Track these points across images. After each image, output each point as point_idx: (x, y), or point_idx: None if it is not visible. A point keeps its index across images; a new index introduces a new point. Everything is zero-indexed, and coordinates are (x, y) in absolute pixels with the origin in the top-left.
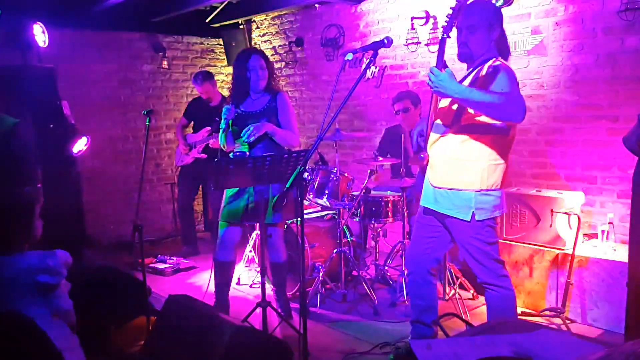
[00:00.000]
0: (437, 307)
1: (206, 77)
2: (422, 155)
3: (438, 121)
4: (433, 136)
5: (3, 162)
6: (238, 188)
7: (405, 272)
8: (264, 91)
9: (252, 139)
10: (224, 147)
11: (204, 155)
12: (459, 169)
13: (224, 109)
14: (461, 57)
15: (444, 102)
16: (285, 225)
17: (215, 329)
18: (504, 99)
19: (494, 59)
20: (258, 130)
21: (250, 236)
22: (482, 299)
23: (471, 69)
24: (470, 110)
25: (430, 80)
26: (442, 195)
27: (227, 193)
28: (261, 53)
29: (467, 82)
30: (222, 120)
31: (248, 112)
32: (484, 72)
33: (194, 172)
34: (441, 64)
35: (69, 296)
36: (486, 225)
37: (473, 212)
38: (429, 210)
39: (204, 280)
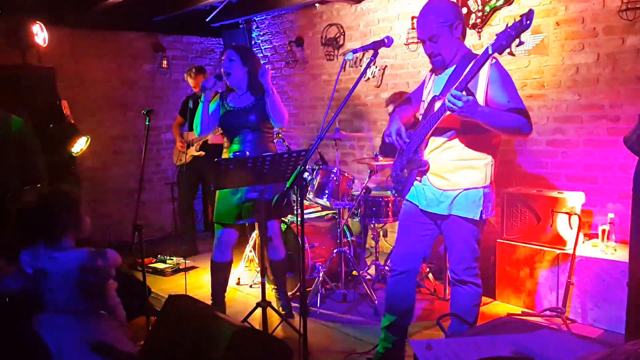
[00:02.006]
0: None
1: (199, 70)
2: (423, 162)
3: (442, 126)
4: (436, 141)
5: (20, 159)
6: (230, 189)
7: (390, 272)
8: (249, 89)
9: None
10: (196, 129)
11: (202, 153)
12: (467, 169)
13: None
14: (436, 64)
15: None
16: (285, 225)
17: (215, 329)
18: (523, 122)
19: (490, 57)
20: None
21: (250, 236)
22: (482, 298)
23: (450, 69)
24: None
25: (453, 104)
26: (450, 197)
27: (219, 194)
28: (237, 48)
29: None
30: (202, 94)
31: (237, 107)
32: (485, 72)
33: (194, 171)
34: (463, 86)
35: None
36: (485, 224)
37: (481, 210)
38: (427, 212)
39: (204, 280)
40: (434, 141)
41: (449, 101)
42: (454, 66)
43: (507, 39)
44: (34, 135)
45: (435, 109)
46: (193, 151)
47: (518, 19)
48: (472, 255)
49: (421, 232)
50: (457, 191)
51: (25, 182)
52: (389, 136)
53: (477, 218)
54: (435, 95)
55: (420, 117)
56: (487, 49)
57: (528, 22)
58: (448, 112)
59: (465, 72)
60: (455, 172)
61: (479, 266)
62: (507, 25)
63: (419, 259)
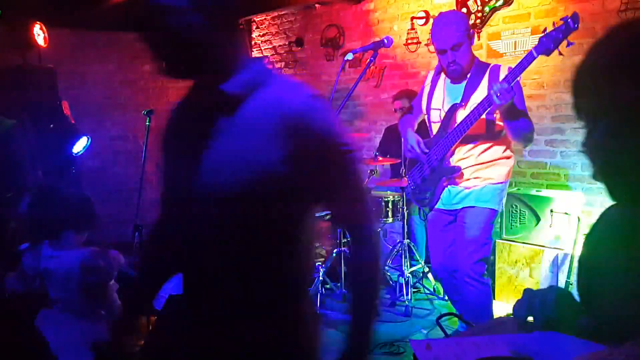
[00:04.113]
0: None
1: None
2: (456, 168)
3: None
4: (462, 149)
5: (3, 166)
6: None
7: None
8: None
9: None
10: None
11: None
12: (490, 168)
13: None
14: (455, 74)
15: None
16: None
17: None
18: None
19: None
20: None
21: None
22: None
23: (466, 80)
24: (499, 122)
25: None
26: (470, 192)
27: None
28: None
29: (482, 89)
30: None
31: None
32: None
33: None
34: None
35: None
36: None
37: (499, 202)
38: (450, 211)
39: None
40: (461, 149)
41: (499, 92)
42: (469, 75)
43: (554, 42)
44: (23, 138)
45: (459, 118)
46: None
47: (559, 23)
48: (481, 254)
49: (446, 238)
50: (478, 186)
51: (10, 185)
52: (410, 151)
53: (497, 208)
54: (455, 104)
55: (436, 124)
56: (531, 52)
57: (575, 25)
58: (484, 114)
59: (514, 68)
60: (478, 172)
61: (486, 266)
62: (545, 29)
63: (457, 261)
